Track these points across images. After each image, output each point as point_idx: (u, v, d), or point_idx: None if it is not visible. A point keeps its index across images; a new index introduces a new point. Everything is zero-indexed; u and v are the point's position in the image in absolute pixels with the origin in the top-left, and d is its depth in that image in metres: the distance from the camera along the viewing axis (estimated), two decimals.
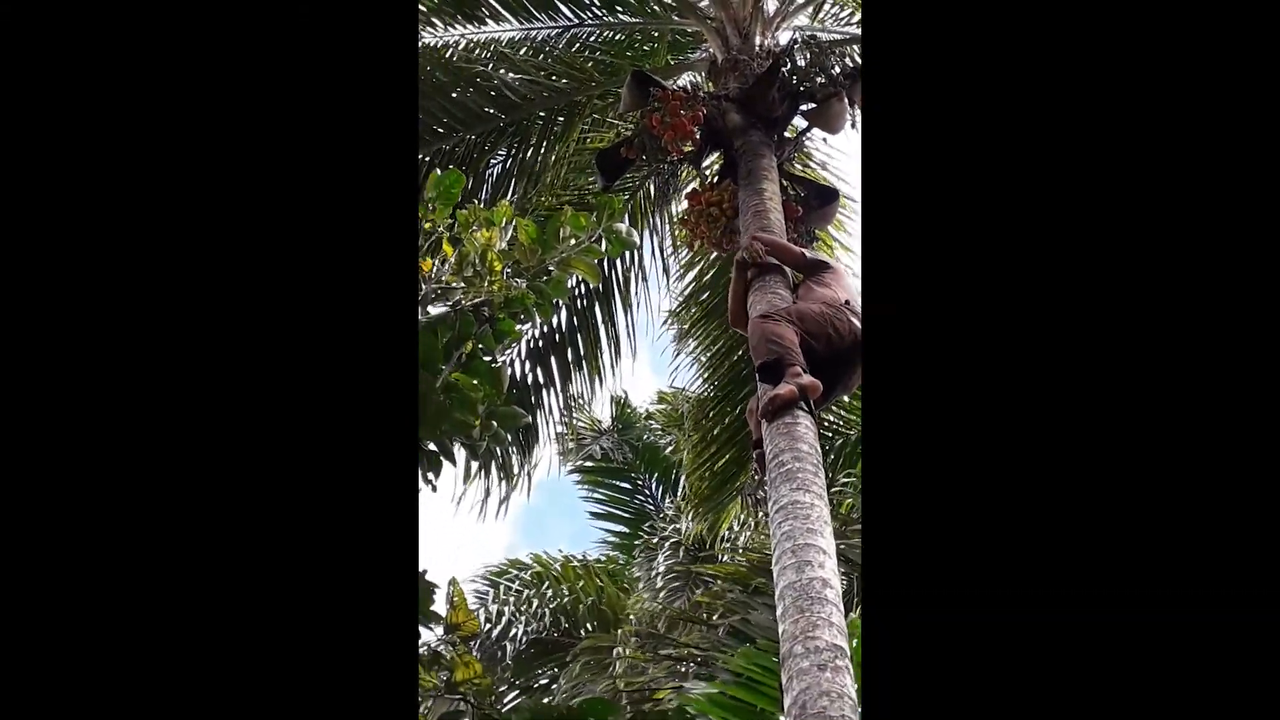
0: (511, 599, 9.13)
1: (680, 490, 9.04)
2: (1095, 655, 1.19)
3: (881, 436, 1.33)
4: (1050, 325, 1.30)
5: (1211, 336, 1.28)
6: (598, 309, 6.63)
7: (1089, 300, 1.31)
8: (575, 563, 9.44)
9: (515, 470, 6.71)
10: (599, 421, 10.41)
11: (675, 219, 6.58)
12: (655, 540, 9.25)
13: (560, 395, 6.63)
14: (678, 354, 6.95)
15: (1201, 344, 1.28)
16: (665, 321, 7.01)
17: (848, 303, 4.28)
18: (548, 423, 6.67)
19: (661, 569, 8.75)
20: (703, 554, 8.42)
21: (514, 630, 8.88)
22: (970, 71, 1.42)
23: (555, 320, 6.42)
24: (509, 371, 5.43)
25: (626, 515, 10.31)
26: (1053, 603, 1.21)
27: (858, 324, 4.16)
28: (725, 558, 7.23)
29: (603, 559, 10.04)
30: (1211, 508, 1.22)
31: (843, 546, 4.85)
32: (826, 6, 7.09)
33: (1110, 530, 1.23)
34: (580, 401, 10.23)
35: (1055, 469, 1.26)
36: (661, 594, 8.28)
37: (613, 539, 10.38)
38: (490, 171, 6.50)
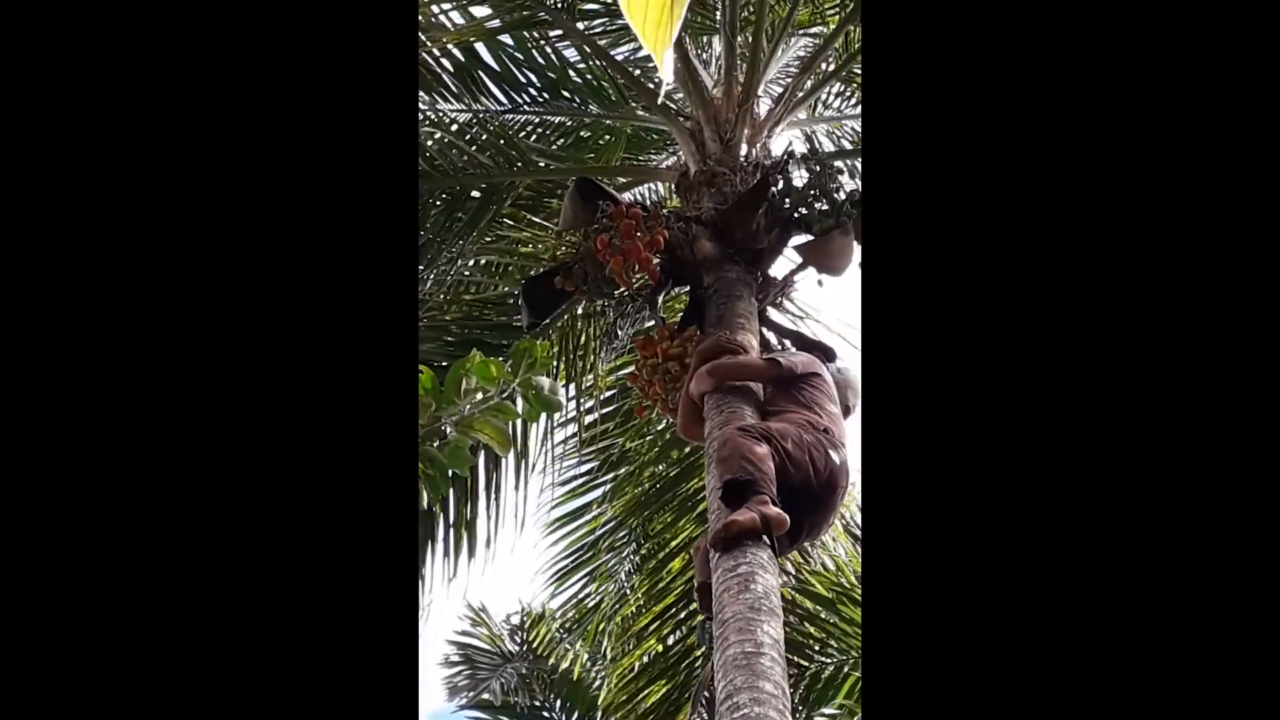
0: None
1: None
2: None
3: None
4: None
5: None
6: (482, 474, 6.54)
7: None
8: None
9: None
10: (500, 639, 10.26)
11: (605, 371, 6.63)
12: None
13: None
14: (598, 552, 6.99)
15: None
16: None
17: (829, 430, 4.69)
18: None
19: None
20: None
21: None
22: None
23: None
24: None
25: None
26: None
27: (836, 457, 4.63)
28: None
29: None
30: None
31: None
32: (829, 99, 7.29)
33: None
34: (479, 614, 10.13)
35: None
36: None
37: None
38: None
